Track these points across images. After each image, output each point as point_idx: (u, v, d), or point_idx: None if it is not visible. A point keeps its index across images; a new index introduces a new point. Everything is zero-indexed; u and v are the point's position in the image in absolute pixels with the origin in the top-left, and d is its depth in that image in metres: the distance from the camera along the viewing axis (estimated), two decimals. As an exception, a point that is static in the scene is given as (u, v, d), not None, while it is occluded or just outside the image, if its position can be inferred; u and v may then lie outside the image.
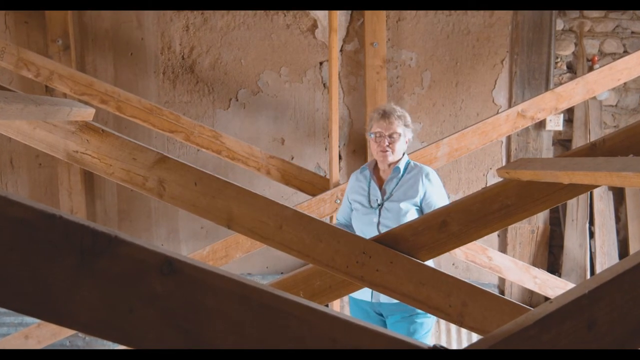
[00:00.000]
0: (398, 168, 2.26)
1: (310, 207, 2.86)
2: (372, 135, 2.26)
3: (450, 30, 3.53)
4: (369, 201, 2.26)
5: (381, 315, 2.30)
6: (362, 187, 2.31)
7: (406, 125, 2.27)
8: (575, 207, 3.56)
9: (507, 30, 3.52)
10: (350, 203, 2.35)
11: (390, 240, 1.43)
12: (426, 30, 3.53)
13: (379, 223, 2.21)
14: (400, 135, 2.24)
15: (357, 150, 3.62)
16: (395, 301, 2.12)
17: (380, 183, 2.29)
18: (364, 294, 2.24)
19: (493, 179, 3.61)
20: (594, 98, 3.41)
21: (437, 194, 2.24)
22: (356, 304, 2.34)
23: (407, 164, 2.29)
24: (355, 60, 3.55)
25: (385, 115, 2.23)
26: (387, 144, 2.22)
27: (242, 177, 3.57)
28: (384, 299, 2.21)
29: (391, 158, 2.24)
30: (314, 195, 3.03)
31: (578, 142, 3.56)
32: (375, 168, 2.33)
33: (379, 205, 2.23)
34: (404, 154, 2.30)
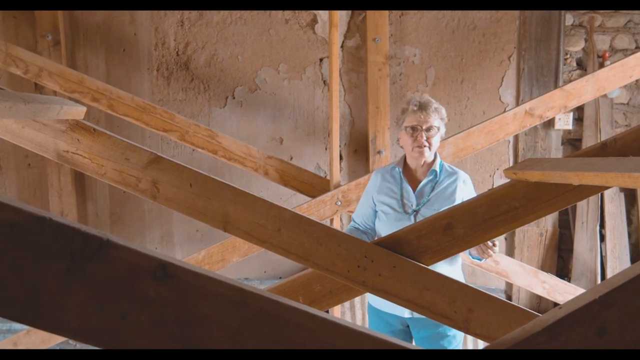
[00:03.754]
0: (435, 171, 2.15)
1: (309, 209, 2.86)
2: (407, 130, 2.14)
3: (456, 26, 3.53)
4: (402, 206, 2.14)
5: (407, 327, 2.23)
6: (392, 189, 2.17)
7: (442, 119, 2.17)
8: (585, 209, 3.56)
9: (514, 25, 3.52)
10: (375, 204, 2.22)
11: (393, 244, 1.43)
12: (430, 25, 3.53)
13: None
14: (437, 129, 2.14)
15: (358, 150, 3.62)
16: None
17: (414, 185, 2.17)
18: (390, 306, 2.16)
19: (500, 180, 3.61)
20: (605, 96, 3.41)
21: None
22: (379, 316, 2.25)
23: (441, 166, 2.19)
24: (356, 56, 3.55)
25: (422, 107, 2.12)
26: (424, 138, 2.11)
27: (239, 178, 3.58)
28: (407, 313, 2.15)
29: (428, 154, 2.13)
30: (313, 196, 3.03)
31: (588, 141, 3.57)
32: (405, 168, 2.21)
33: (414, 211, 2.12)
34: (436, 154, 2.20)
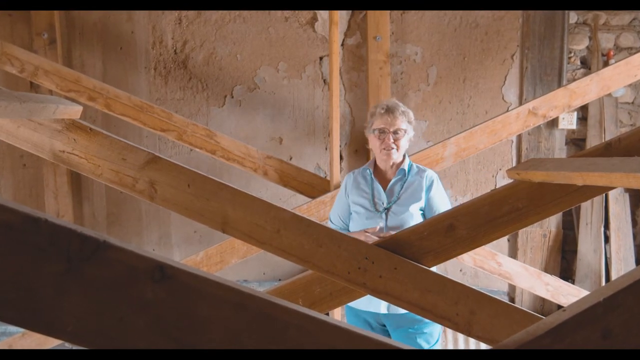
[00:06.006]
0: (403, 170, 2.26)
1: (309, 209, 2.86)
2: (375, 132, 2.25)
3: (458, 24, 3.53)
4: (374, 204, 2.24)
5: (384, 326, 2.29)
6: (364, 190, 2.28)
7: (409, 122, 2.28)
8: (589, 210, 3.56)
9: (517, 23, 3.52)
10: (350, 206, 2.32)
11: (394, 245, 1.43)
12: (432, 23, 3.53)
13: (385, 228, 2.20)
14: (405, 131, 2.24)
15: (359, 150, 3.62)
16: (401, 311, 2.13)
17: (384, 185, 2.28)
18: (365, 304, 2.22)
19: (503, 181, 3.61)
20: (609, 95, 3.41)
21: (440, 199, 2.27)
22: (356, 315, 2.31)
23: (410, 165, 2.30)
24: (357, 55, 3.55)
25: (389, 110, 2.23)
26: (391, 140, 2.22)
27: (237, 179, 3.57)
28: (383, 308, 2.20)
29: (395, 156, 2.25)
30: (313, 197, 3.03)
31: (592, 141, 3.56)
32: (376, 169, 2.32)
33: (385, 209, 2.22)
34: (405, 155, 2.30)
